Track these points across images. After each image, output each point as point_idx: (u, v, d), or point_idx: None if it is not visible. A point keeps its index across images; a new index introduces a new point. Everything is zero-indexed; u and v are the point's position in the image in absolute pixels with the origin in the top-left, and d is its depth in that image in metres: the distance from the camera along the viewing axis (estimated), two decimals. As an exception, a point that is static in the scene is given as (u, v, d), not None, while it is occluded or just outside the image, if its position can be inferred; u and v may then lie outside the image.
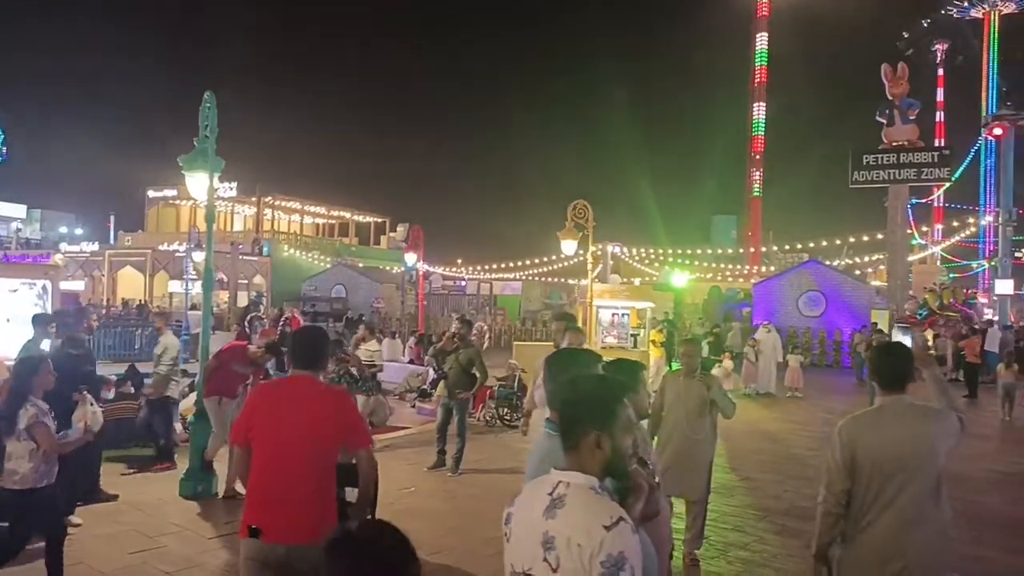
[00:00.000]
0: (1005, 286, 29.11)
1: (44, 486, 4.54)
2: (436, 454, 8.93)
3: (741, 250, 47.51)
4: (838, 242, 37.20)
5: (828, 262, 32.08)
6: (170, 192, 50.40)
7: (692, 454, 5.68)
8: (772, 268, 39.14)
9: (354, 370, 7.51)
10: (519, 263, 42.32)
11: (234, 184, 44.68)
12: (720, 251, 48.35)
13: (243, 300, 35.81)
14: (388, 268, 44.34)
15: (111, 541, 6.01)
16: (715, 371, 16.28)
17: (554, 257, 35.17)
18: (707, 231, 65.88)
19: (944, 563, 3.42)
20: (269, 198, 50.97)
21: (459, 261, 47.47)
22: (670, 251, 44.12)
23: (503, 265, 43.61)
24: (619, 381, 2.23)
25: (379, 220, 60.73)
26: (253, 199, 50.28)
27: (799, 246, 38.36)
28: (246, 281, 40.69)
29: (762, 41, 44.84)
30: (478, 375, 8.94)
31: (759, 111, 45.05)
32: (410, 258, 23.34)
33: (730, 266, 46.42)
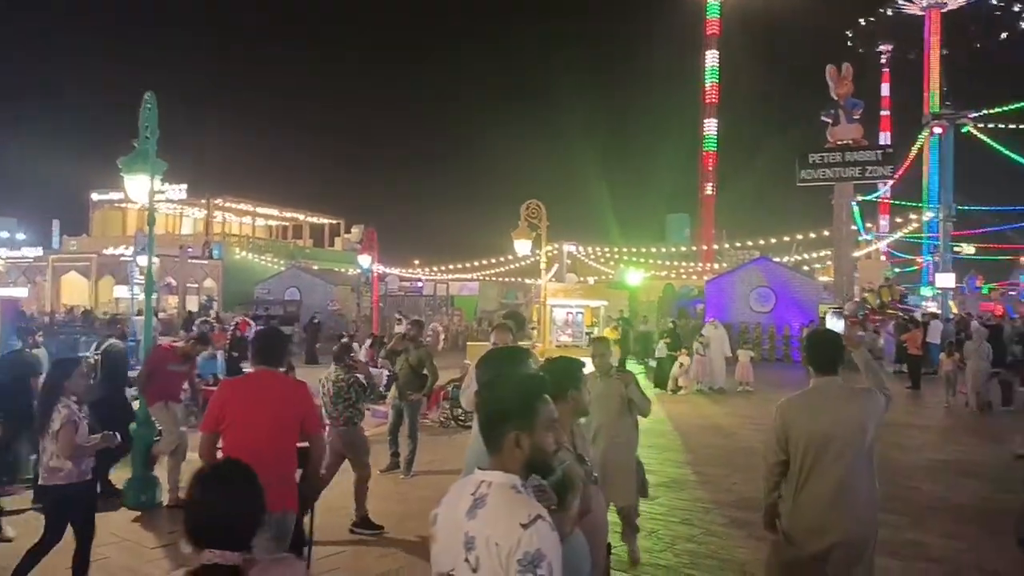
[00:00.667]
0: (946, 279, 30.14)
1: (77, 482, 4.74)
2: (389, 456, 8.87)
3: (694, 248, 48.24)
4: (787, 239, 38.08)
5: (777, 259, 32.79)
6: (116, 195, 49.04)
7: (614, 458, 5.39)
8: (725, 265, 39.86)
9: (363, 377, 7.34)
10: (476, 263, 42.33)
11: (183, 186, 43.72)
12: (674, 249, 49.06)
13: (193, 305, 35.06)
14: (343, 270, 43.90)
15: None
16: (675, 369, 16.53)
17: (510, 257, 35.23)
18: (662, 230, 66.74)
19: (872, 532, 3.70)
20: (219, 200, 50.00)
21: (416, 262, 47.25)
22: (625, 250, 44.61)
23: (460, 266, 43.54)
24: (539, 378, 2.23)
25: (334, 222, 60.05)
26: (203, 201, 49.25)
27: (750, 243, 39.14)
28: (196, 285, 39.84)
29: (712, 59, 45.65)
30: (428, 376, 8.90)
31: (710, 127, 45.86)
32: (364, 260, 23.11)
33: (684, 264, 47.14)
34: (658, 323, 26.15)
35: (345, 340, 8.42)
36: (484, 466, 2.03)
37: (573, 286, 19.35)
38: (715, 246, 45.78)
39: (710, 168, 46.26)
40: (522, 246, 14.91)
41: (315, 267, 45.12)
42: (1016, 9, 52.53)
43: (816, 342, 3.99)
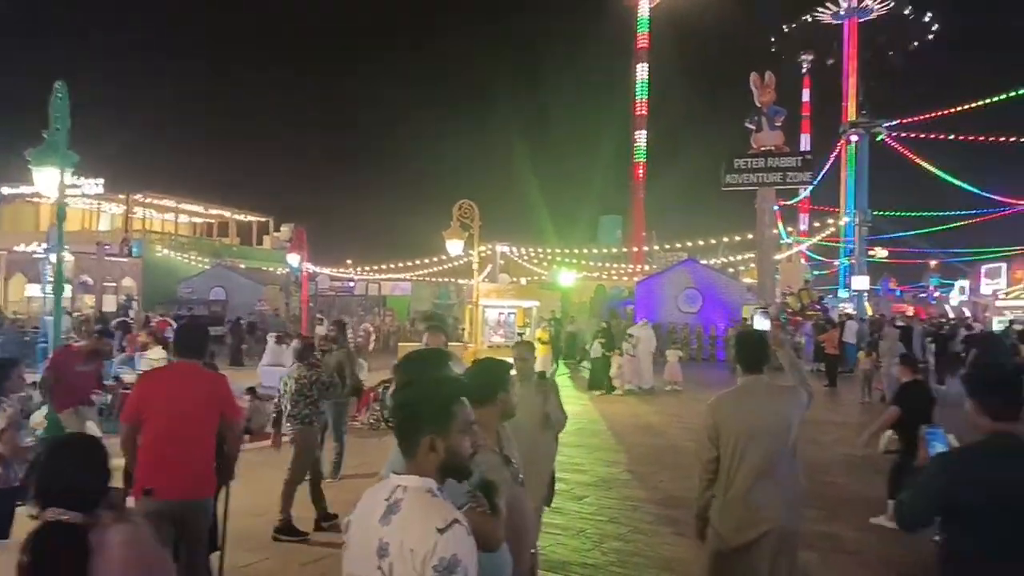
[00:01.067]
0: (861, 282, 31.56)
1: (3, 488, 4.79)
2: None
3: (625, 249, 49.05)
4: (713, 241, 39.11)
5: (705, 261, 33.66)
6: (27, 189, 46.47)
7: (527, 466, 5.14)
8: (654, 267, 40.63)
9: (325, 377, 7.13)
10: (409, 263, 41.94)
11: (100, 181, 41.78)
12: (606, 251, 49.73)
13: (111, 304, 33.59)
14: (272, 269, 42.81)
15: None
16: (613, 369, 16.70)
17: (444, 257, 35.03)
18: (594, 231, 67.54)
19: (799, 524, 3.87)
20: (140, 196, 48.02)
21: (348, 262, 46.50)
22: (558, 251, 44.98)
23: (393, 265, 43.06)
24: (455, 381, 2.19)
25: (262, 220, 58.48)
26: (122, 197, 47.22)
27: (679, 246, 40.04)
28: (114, 284, 38.17)
29: (642, 72, 46.45)
30: (347, 379, 8.77)
31: (640, 139, 46.71)
32: (293, 259, 22.57)
33: (615, 265, 47.85)
34: (589, 324, 26.46)
35: (308, 338, 8.42)
36: (400, 470, 1.99)
37: (505, 287, 19.40)
38: (645, 248, 46.66)
39: (640, 178, 47.16)
40: (454, 246, 14.84)
41: (242, 266, 43.85)
42: (926, 20, 55.18)
43: (744, 342, 4.13)
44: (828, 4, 55.27)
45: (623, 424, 12.97)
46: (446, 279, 41.83)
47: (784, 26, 58.76)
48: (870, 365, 16.34)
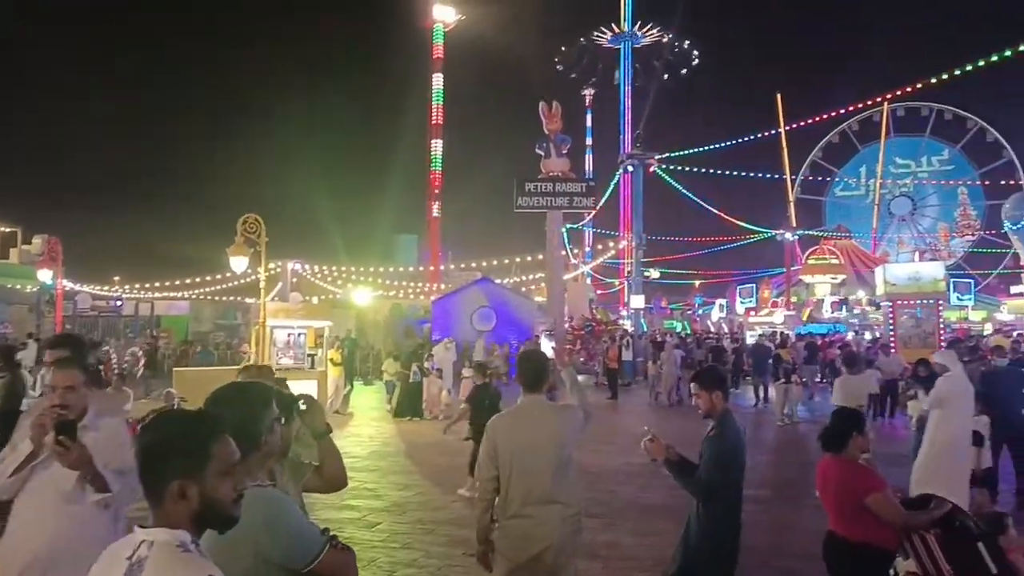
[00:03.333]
0: (638, 301, 34.11)
1: None
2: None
3: (422, 268, 49.16)
4: (507, 261, 40.45)
5: (499, 280, 34.65)
6: None
7: None
8: (450, 286, 41.10)
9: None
10: (188, 281, 38.79)
11: None
12: (402, 269, 49.49)
13: None
14: (19, 286, 37.50)
15: None
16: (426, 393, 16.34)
17: (228, 274, 32.83)
18: (391, 249, 67.04)
19: (577, 541, 3.96)
20: None
21: (116, 278, 42.04)
22: (354, 269, 44.01)
23: (169, 283, 39.59)
24: (212, 416, 1.93)
25: (8, 230, 51.12)
26: None
27: (474, 265, 40.94)
28: None
29: (438, 82, 47.18)
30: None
31: (436, 147, 47.23)
32: (45, 275, 19.92)
33: (412, 284, 47.76)
34: (384, 343, 26.10)
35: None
36: (146, 524, 1.70)
37: (296, 306, 18.51)
38: (441, 267, 47.12)
39: (436, 188, 47.59)
40: (239, 263, 13.88)
41: (-20, 283, 37.98)
42: (686, 46, 60.21)
43: (524, 362, 4.22)
44: (603, 29, 58.81)
45: (417, 445, 12.82)
46: (231, 297, 39.23)
47: (563, 47, 61.26)
48: (656, 371, 19.24)
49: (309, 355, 16.18)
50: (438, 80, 47.00)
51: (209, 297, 39.97)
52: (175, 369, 17.98)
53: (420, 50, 49.00)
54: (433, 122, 47.31)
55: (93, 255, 49.55)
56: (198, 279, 39.09)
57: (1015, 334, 26.51)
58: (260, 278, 14.80)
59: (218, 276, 37.60)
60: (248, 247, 13.78)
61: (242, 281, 33.51)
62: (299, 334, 16.23)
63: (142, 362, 20.86)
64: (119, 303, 39.00)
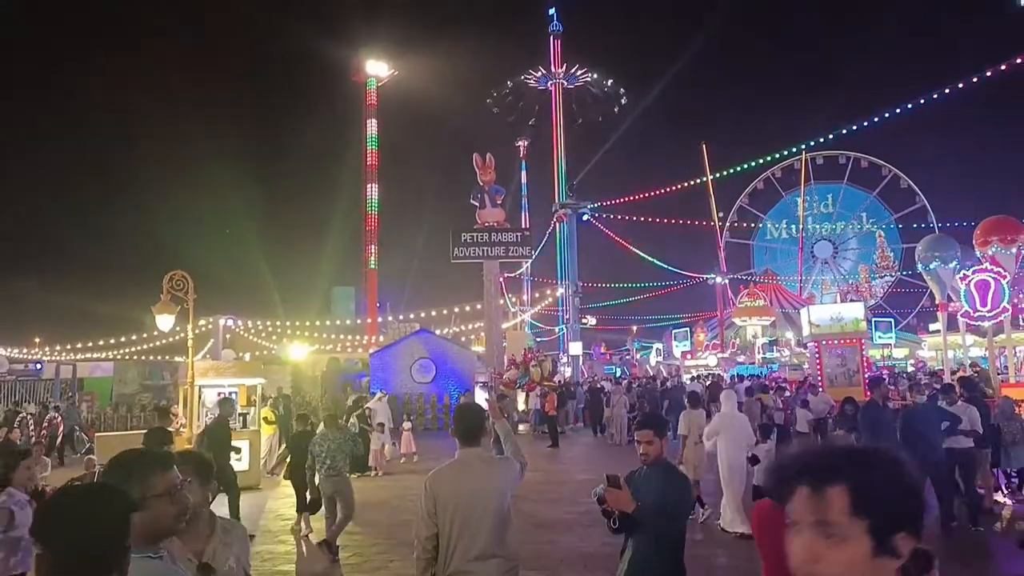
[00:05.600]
0: (576, 347, 34.47)
1: None
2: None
3: (359, 321, 48.56)
4: (445, 312, 40.36)
5: (438, 331, 34.47)
6: None
7: None
8: (389, 338, 40.66)
9: None
10: (113, 340, 37.34)
11: None
12: (339, 322, 48.80)
13: None
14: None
15: None
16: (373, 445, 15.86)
17: (155, 333, 31.76)
18: (328, 303, 66.04)
19: None
20: None
21: (36, 340, 40.19)
22: (288, 323, 43.18)
23: (93, 343, 38.04)
24: (119, 496, 1.80)
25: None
26: None
27: (412, 316, 40.69)
28: None
29: (372, 127, 47.46)
30: None
31: (372, 192, 47.19)
32: (-44, 339, 18.84)
33: (350, 337, 47.09)
34: (321, 399, 25.53)
35: None
36: None
37: (227, 364, 17.96)
38: (380, 319, 46.64)
39: (371, 229, 47.31)
40: (164, 321, 13.47)
41: None
42: (610, 84, 60.56)
43: (460, 416, 4.23)
44: (533, 71, 59.12)
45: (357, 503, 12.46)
46: (158, 357, 37.88)
47: (494, 92, 61.05)
48: (609, 413, 20.96)
49: (241, 415, 15.63)
50: (372, 125, 47.20)
51: (135, 357, 38.52)
52: (97, 435, 17.14)
53: (354, 106, 49.35)
54: (368, 164, 47.22)
55: (11, 316, 47.28)
56: (123, 338, 37.72)
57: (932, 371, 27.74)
58: (188, 336, 14.37)
59: (144, 335, 36.36)
60: (175, 304, 13.40)
61: (170, 340, 32.49)
62: (230, 393, 15.70)
63: (61, 427, 19.79)
64: (39, 366, 37.12)
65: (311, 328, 44.87)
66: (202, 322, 33.71)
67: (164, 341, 35.31)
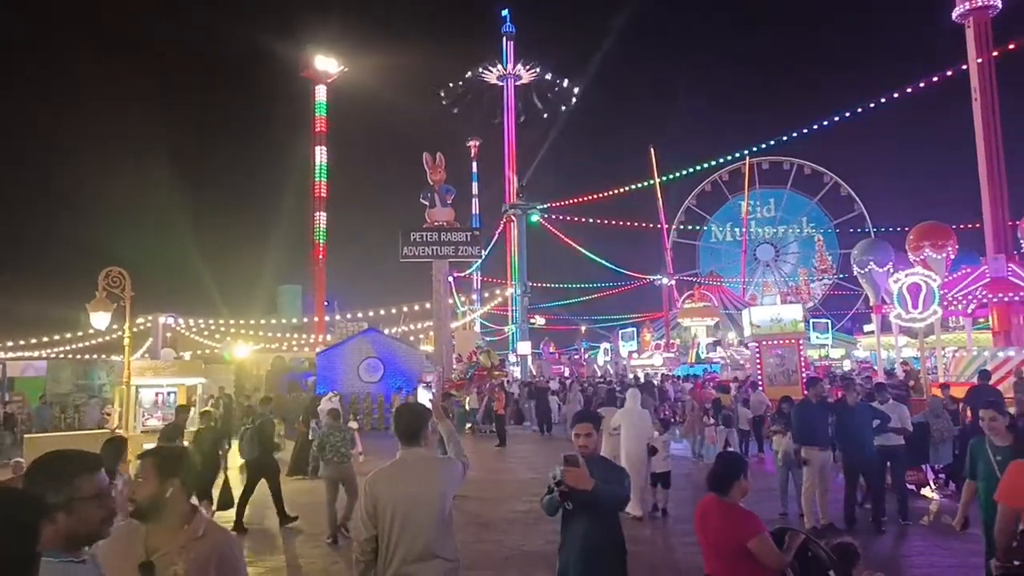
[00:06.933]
0: (524, 347, 34.60)
1: None
2: None
3: (306, 319, 47.82)
4: (394, 311, 40.03)
5: (387, 330, 34.17)
6: None
7: None
8: (336, 337, 40.14)
9: None
10: (45, 339, 35.96)
11: None
12: (285, 321, 47.99)
13: None
14: None
15: None
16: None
17: (91, 331, 30.74)
18: (274, 301, 64.87)
19: None
20: None
21: (-39, 338, 38.38)
22: (232, 322, 42.23)
23: (24, 342, 36.57)
24: (25, 503, 1.73)
25: None
26: None
27: (360, 315, 40.21)
28: None
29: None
30: None
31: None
32: None
33: (296, 336, 46.32)
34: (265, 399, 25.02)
35: None
36: None
37: (166, 363, 17.46)
38: (327, 318, 46.00)
39: (320, 230, 46.61)
40: (100, 319, 13.04)
41: None
42: (566, 84, 60.94)
43: (401, 415, 4.15)
44: (488, 67, 58.76)
45: (296, 505, 12.27)
46: (94, 355, 36.63)
47: (449, 84, 60.29)
48: (567, 410, 21.17)
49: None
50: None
51: (70, 356, 37.17)
52: (27, 436, 16.50)
53: (303, 102, 48.52)
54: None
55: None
56: (57, 337, 36.36)
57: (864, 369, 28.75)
58: (125, 334, 13.93)
59: (79, 333, 35.13)
60: (111, 302, 12.99)
61: (108, 338, 31.47)
62: (168, 393, 15.32)
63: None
64: (-37, 365, 35.53)
65: (256, 327, 44.01)
66: (140, 320, 32.73)
67: (101, 340, 34.23)
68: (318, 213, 45.95)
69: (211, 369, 24.78)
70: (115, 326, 18.65)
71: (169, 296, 50.88)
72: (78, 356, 37.19)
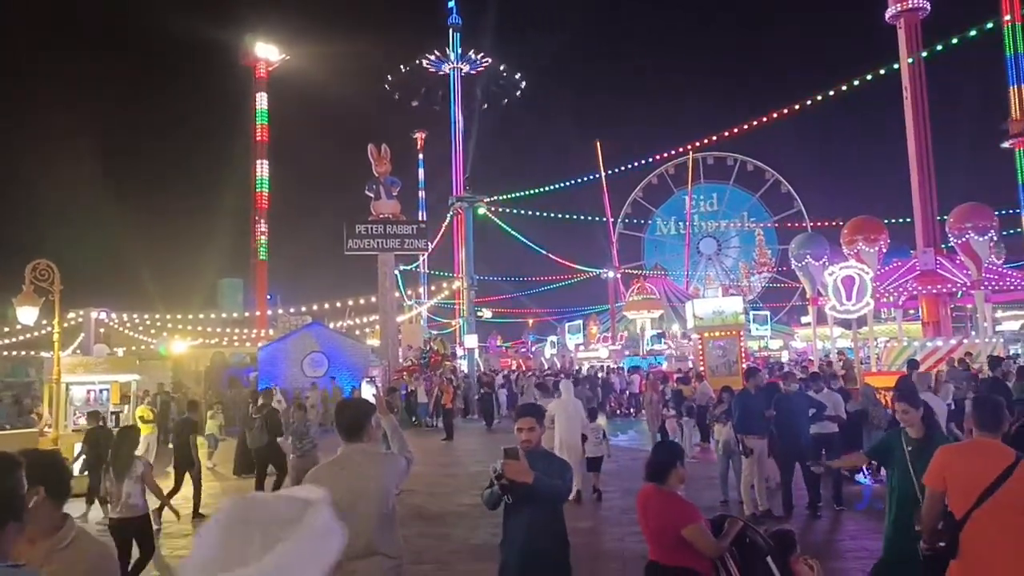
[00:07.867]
0: (471, 340, 34.42)
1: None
2: None
3: (248, 314, 46.75)
4: (339, 305, 39.38)
5: (332, 324, 33.64)
6: None
7: None
8: (279, 331, 39.34)
9: None
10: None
11: None
12: (227, 315, 46.81)
13: None
14: None
15: None
16: None
17: (19, 327, 29.41)
18: (214, 295, 63.29)
19: None
20: None
21: None
22: (170, 316, 40.96)
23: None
24: None
25: None
26: None
27: (304, 309, 39.49)
28: None
29: (261, 100, 45.59)
30: None
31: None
32: None
33: (237, 330, 45.20)
34: (205, 395, 24.44)
35: None
36: None
37: (98, 359, 16.79)
38: (269, 312, 45.05)
39: (262, 221, 45.66)
40: (27, 314, 12.47)
41: None
42: (516, 77, 60.61)
43: (342, 411, 4.09)
44: (433, 56, 57.27)
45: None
46: (21, 352, 35.15)
47: (391, 74, 59.21)
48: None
49: (113, 413, 14.69)
50: (262, 99, 45.35)
51: (-6, 352, 35.58)
52: (-52, 437, 15.64)
53: (243, 92, 47.31)
54: (258, 139, 45.28)
55: None
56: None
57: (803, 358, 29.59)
58: (55, 330, 13.36)
59: (6, 329, 33.61)
60: (39, 296, 12.44)
61: (37, 334, 30.20)
62: (101, 390, 14.75)
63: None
64: None
65: (195, 321, 42.76)
66: (71, 315, 31.48)
67: (29, 335, 32.83)
68: (260, 161, 45.05)
69: (147, 365, 23.97)
70: (44, 321, 17.92)
71: (102, 290, 49.11)
72: (5, 352, 35.65)
